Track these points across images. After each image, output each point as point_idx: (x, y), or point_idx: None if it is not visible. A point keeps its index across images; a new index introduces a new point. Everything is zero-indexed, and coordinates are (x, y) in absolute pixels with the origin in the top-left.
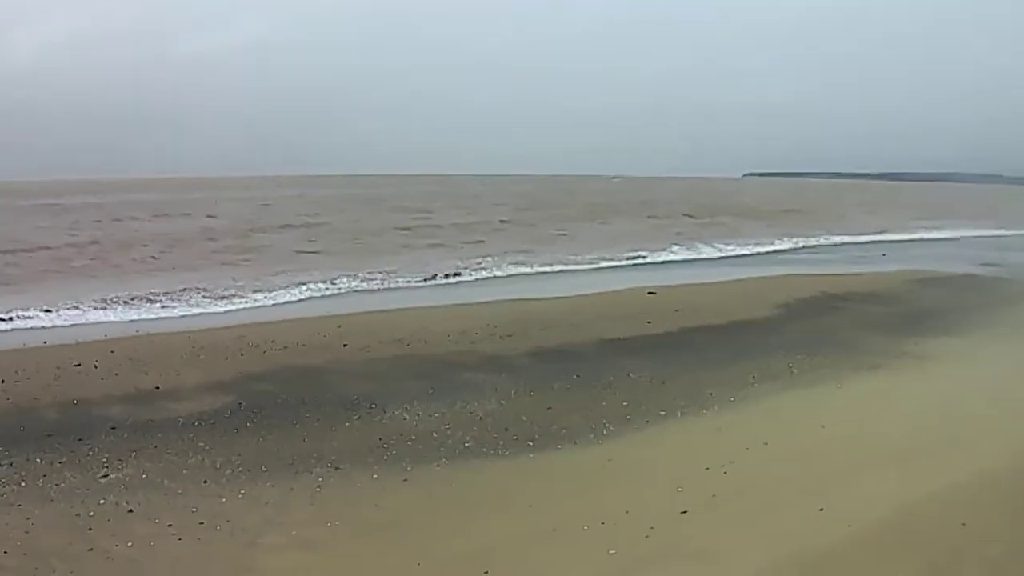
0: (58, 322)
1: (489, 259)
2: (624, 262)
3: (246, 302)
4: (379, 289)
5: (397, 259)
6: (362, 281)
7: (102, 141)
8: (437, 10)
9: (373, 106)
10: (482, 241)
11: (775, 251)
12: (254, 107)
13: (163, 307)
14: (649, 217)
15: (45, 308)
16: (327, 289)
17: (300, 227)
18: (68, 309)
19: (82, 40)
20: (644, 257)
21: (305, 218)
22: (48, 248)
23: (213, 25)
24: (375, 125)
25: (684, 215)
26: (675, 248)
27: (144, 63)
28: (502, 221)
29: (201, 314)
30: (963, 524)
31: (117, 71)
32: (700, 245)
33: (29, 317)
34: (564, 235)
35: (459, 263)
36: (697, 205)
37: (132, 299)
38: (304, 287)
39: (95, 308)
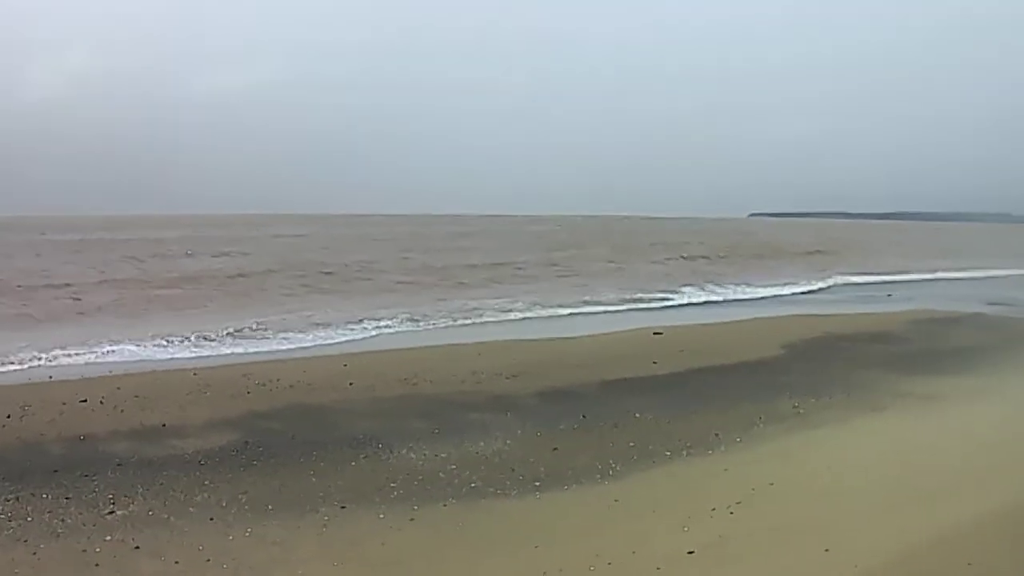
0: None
1: (505, 300)
2: (649, 305)
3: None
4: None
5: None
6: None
7: (112, 178)
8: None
9: (382, 146)
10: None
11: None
12: (266, 146)
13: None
14: (667, 259)
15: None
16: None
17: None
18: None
19: (94, 77)
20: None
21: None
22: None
23: (226, 65)
24: (385, 165)
25: (702, 256)
26: (705, 291)
27: (155, 101)
28: (517, 268)
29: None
30: (969, 564)
31: (128, 109)
32: (731, 287)
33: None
34: (583, 283)
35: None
36: (720, 246)
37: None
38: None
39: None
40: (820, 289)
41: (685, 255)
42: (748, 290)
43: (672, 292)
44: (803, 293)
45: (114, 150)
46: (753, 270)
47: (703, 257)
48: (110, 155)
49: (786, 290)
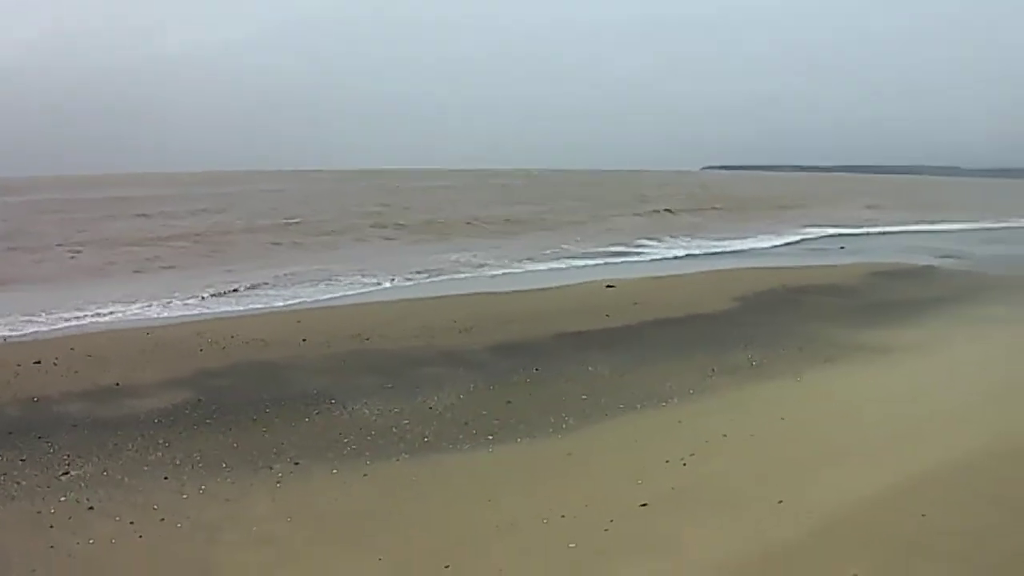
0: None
1: (464, 254)
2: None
3: None
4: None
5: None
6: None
7: (84, 137)
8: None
9: (354, 103)
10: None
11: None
12: (238, 104)
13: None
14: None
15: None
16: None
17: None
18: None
19: (63, 37)
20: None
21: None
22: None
23: (197, 24)
24: (357, 121)
25: (665, 210)
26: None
27: (127, 60)
28: (475, 223)
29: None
30: (923, 515)
31: (98, 68)
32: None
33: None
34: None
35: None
36: (685, 196)
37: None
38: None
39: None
40: (799, 242)
41: (664, 208)
42: (729, 243)
43: (653, 243)
44: (784, 245)
45: (81, 109)
46: (733, 223)
47: (684, 211)
48: (78, 114)
49: (766, 243)
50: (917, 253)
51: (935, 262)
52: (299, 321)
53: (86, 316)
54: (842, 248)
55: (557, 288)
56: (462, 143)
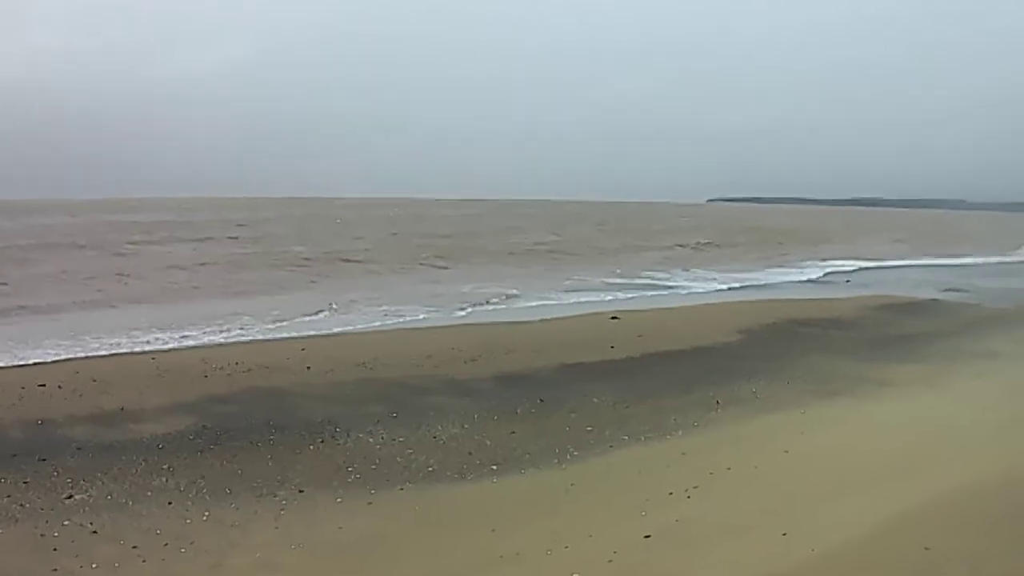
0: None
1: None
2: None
3: None
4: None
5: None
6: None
7: (80, 159)
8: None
9: (346, 126)
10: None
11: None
12: (236, 128)
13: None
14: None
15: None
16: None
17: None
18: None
19: (62, 57)
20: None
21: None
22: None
23: (196, 46)
24: (349, 145)
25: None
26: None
27: (125, 82)
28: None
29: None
30: (926, 548)
31: (95, 90)
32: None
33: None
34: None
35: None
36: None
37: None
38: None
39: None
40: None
41: (688, 243)
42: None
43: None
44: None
45: (77, 133)
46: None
47: (707, 244)
48: (71, 137)
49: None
50: (923, 286)
51: (940, 295)
52: (303, 348)
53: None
54: (847, 281)
55: (562, 319)
56: (459, 170)
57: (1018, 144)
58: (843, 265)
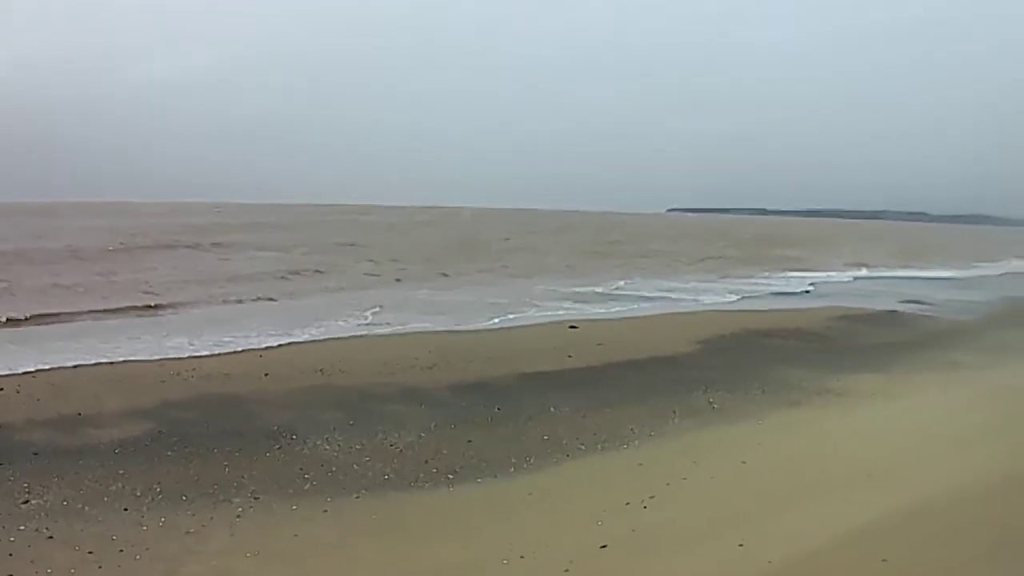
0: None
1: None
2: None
3: None
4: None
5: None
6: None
7: (50, 165)
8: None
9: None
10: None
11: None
12: (207, 133)
13: None
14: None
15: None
16: None
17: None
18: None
19: (29, 65)
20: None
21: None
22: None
23: (163, 53)
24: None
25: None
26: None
27: (94, 89)
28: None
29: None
30: (884, 560)
31: (65, 97)
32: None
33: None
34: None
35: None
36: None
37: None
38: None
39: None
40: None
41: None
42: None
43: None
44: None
45: (49, 138)
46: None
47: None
48: (56, 140)
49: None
50: (881, 297)
51: (898, 307)
52: (261, 355)
53: None
54: (807, 292)
55: (520, 328)
56: (428, 178)
57: (981, 159)
58: (803, 276)
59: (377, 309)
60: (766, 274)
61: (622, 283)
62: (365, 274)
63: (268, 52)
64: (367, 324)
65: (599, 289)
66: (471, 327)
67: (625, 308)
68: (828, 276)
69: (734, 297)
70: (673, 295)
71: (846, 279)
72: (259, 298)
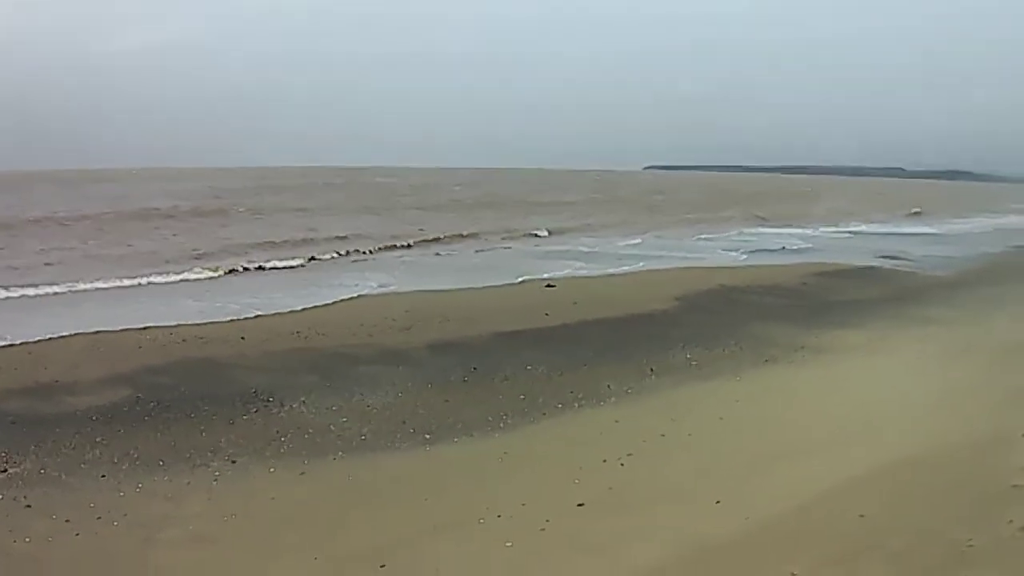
0: None
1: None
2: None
3: None
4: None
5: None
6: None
7: (19, 135)
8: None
9: (296, 100)
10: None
11: None
12: (177, 102)
13: None
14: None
15: None
16: None
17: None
18: None
19: (17, 31)
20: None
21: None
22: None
23: (136, 24)
24: (301, 118)
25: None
26: None
27: (65, 60)
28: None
29: None
30: (861, 516)
31: (36, 69)
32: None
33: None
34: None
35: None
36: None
37: None
38: None
39: None
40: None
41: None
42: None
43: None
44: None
45: (39, 105)
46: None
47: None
48: (35, 109)
49: None
50: (859, 253)
51: (875, 262)
52: (235, 319)
53: None
54: (783, 248)
55: (497, 287)
56: (392, 137)
57: (957, 115)
58: (779, 232)
59: None
60: (741, 230)
61: (595, 239)
62: None
63: (262, 16)
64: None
65: (570, 247)
66: (449, 287)
67: (600, 264)
68: (804, 231)
69: (706, 253)
70: (645, 251)
71: (822, 235)
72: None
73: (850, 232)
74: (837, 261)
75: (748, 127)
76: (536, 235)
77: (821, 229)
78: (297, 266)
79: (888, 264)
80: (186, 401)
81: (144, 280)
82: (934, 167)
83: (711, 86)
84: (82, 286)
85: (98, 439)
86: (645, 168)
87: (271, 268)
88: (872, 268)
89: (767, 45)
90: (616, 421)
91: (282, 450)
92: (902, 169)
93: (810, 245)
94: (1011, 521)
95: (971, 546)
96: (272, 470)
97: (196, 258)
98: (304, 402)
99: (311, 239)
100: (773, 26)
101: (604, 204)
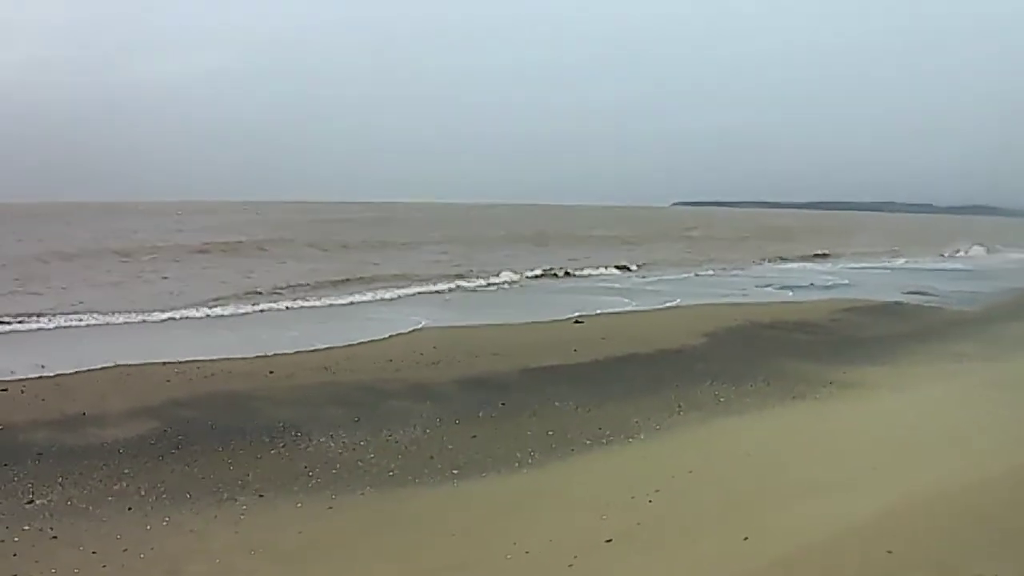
0: None
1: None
2: None
3: None
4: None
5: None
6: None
7: (58, 165)
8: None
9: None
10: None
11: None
12: (213, 134)
13: None
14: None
15: None
16: None
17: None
18: None
19: (39, 65)
20: None
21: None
22: None
23: (175, 53)
24: (329, 153)
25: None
26: None
27: (102, 90)
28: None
29: None
30: (889, 552)
31: (73, 98)
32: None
33: None
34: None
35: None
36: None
37: None
38: None
39: None
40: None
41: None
42: None
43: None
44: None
45: (50, 136)
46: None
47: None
48: (52, 143)
49: None
50: (885, 289)
51: (902, 298)
52: (266, 354)
53: None
54: (811, 284)
55: (525, 323)
56: (416, 175)
57: (984, 151)
58: (807, 267)
59: None
60: (767, 266)
61: (621, 273)
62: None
63: (274, 58)
64: None
65: (599, 284)
66: (477, 323)
67: (628, 301)
68: (833, 268)
69: (735, 289)
70: (672, 287)
71: (849, 270)
72: None
73: (881, 268)
74: (866, 297)
75: (773, 165)
76: (577, 274)
77: (850, 265)
78: (339, 305)
79: (915, 300)
80: (213, 435)
81: (177, 314)
82: (964, 202)
83: (737, 124)
84: (119, 319)
85: (125, 471)
86: (673, 204)
87: (309, 307)
88: (899, 304)
89: (786, 79)
90: (644, 457)
91: (310, 484)
92: (931, 205)
93: (839, 280)
94: None
95: None
96: (299, 504)
97: (231, 295)
98: (332, 437)
99: (365, 277)
100: (806, 67)
101: (637, 240)
